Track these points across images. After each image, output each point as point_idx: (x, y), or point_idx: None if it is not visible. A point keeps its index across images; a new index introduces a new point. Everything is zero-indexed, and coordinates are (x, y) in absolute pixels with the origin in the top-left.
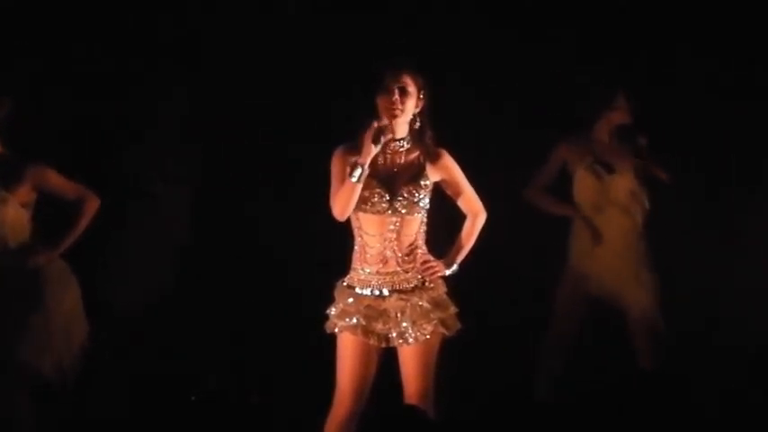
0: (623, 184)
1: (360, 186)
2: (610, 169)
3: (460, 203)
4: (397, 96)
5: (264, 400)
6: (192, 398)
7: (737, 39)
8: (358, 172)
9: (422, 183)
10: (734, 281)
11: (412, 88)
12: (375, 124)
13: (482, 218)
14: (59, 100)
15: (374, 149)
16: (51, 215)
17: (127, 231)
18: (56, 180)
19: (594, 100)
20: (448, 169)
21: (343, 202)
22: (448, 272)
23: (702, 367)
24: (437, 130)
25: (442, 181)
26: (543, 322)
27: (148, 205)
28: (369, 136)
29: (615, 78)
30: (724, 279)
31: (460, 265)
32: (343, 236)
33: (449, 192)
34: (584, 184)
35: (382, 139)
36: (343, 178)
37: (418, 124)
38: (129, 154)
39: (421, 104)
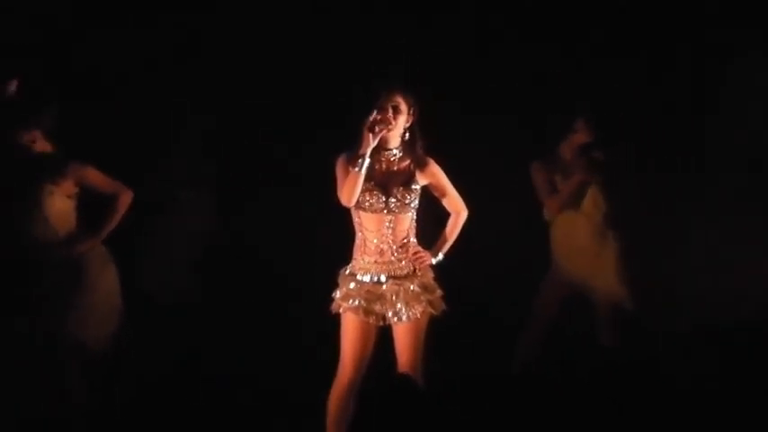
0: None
1: (363, 175)
2: None
3: (445, 203)
4: (390, 113)
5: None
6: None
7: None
8: (360, 162)
9: (412, 187)
10: (683, 266)
11: (403, 107)
12: (371, 117)
13: (464, 215)
14: (102, 111)
15: (372, 141)
16: (95, 206)
17: (158, 229)
18: (95, 176)
19: (559, 124)
20: (434, 175)
21: (349, 190)
22: (434, 261)
23: (657, 347)
24: (428, 139)
25: (429, 185)
26: (521, 307)
27: (176, 207)
28: (367, 128)
29: (576, 103)
30: (676, 265)
31: (445, 255)
32: (344, 232)
33: (435, 193)
34: None
35: (377, 130)
36: (347, 177)
37: (408, 136)
38: (159, 162)
39: (411, 120)
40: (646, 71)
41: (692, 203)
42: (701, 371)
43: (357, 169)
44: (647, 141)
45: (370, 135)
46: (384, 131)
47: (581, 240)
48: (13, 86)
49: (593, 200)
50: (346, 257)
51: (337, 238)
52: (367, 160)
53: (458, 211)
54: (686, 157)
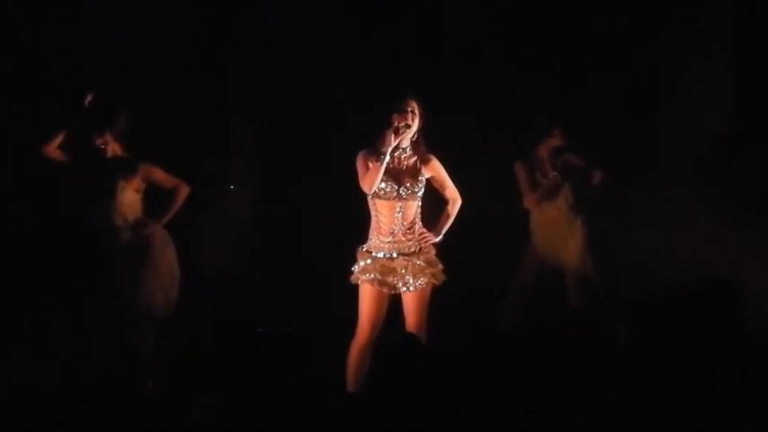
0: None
1: (383, 167)
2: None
3: (444, 192)
4: (409, 116)
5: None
6: (259, 329)
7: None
8: (382, 157)
9: (419, 178)
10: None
11: (418, 111)
12: (395, 123)
13: (459, 202)
14: (163, 119)
15: (395, 140)
16: (158, 198)
17: (207, 217)
18: (159, 174)
19: (538, 129)
20: (436, 169)
21: (370, 180)
22: (436, 240)
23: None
24: (431, 141)
25: (431, 177)
26: (505, 279)
27: (222, 199)
28: (390, 131)
29: (553, 113)
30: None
31: (444, 236)
32: (361, 217)
33: (435, 185)
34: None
35: (400, 132)
36: (367, 168)
37: (416, 138)
38: (207, 162)
39: (420, 125)
40: (606, 85)
41: (642, 196)
42: (645, 327)
43: (379, 163)
44: (607, 146)
45: (393, 135)
46: (404, 132)
47: (555, 226)
48: (88, 98)
49: (565, 194)
50: (362, 238)
51: (355, 221)
52: (388, 156)
53: (454, 198)
54: (638, 159)
